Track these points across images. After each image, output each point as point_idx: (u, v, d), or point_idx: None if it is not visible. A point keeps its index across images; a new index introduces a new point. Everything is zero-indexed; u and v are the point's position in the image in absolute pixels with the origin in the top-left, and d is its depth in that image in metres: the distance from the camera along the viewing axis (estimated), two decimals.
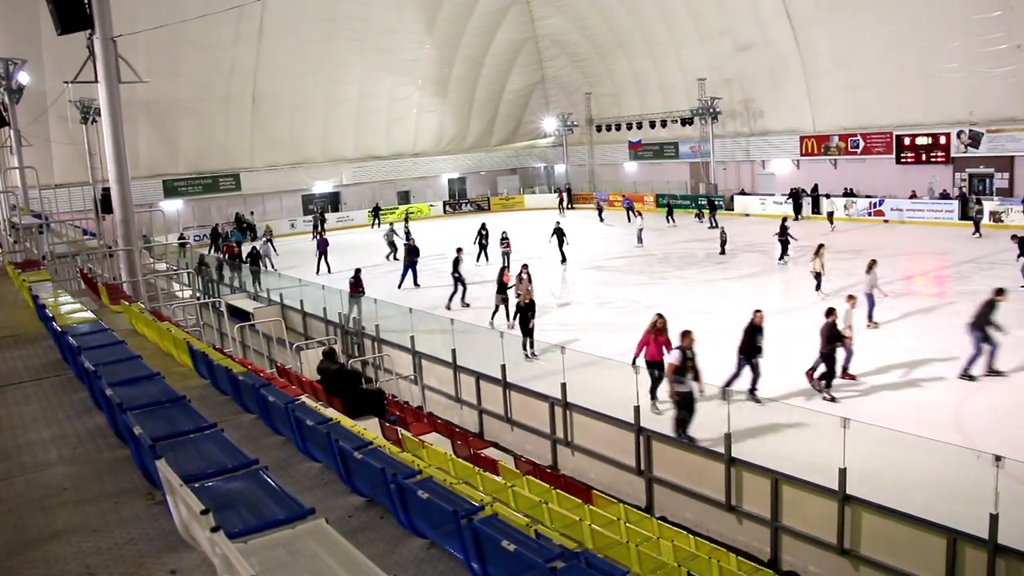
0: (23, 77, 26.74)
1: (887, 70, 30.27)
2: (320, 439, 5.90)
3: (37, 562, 4.60)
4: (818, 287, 17.81)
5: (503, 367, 12.54)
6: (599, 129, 45.77)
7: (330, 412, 7.99)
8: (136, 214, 17.02)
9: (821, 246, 18.07)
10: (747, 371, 11.26)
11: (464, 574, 4.55)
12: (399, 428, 9.03)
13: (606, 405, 10.67)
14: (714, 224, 31.43)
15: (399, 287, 22.04)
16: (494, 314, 17.14)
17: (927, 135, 30.42)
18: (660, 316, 11.33)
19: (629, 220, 32.79)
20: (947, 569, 6.78)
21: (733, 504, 8.85)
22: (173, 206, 37.43)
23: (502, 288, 17.09)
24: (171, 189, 38.18)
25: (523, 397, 12.17)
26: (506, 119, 49.11)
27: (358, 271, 18.68)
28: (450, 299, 19.45)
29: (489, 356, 12.87)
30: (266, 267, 25.31)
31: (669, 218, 33.98)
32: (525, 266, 17.46)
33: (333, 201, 43.64)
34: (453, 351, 13.79)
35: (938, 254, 23.34)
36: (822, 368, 11.49)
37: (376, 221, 40.68)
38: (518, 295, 15.82)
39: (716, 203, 34.32)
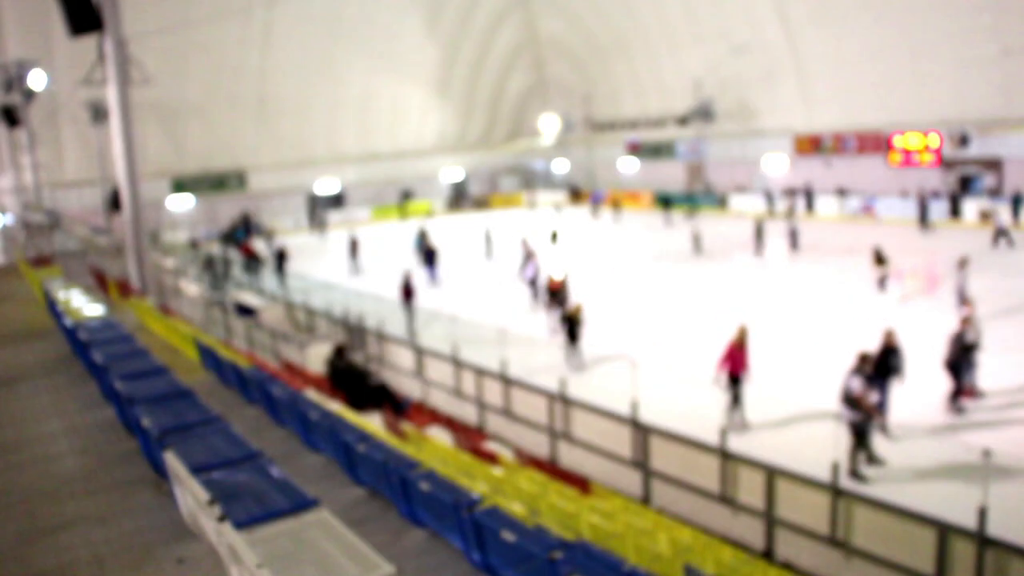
0: (35, 78, 26.98)
1: (879, 72, 30.44)
2: (324, 432, 6.01)
3: (48, 551, 4.71)
4: (883, 287, 17.33)
5: (503, 363, 12.62)
6: (597, 129, 45.90)
7: (334, 406, 8.10)
8: (145, 212, 17.19)
9: (877, 249, 17.44)
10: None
11: (465, 564, 4.64)
12: (401, 422, 9.13)
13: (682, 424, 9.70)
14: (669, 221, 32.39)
15: (434, 284, 21.98)
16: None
17: (918, 136, 30.48)
18: (744, 327, 10.38)
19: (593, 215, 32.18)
20: (937, 560, 6.85)
21: (728, 496, 8.93)
22: (181, 204, 37.73)
23: (553, 295, 16.36)
24: (179, 188, 38.51)
25: (523, 392, 12.25)
26: (506, 119, 49.38)
27: (410, 273, 17.72)
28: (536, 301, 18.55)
29: (536, 368, 12.43)
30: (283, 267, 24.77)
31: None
32: (567, 273, 16.80)
33: (336, 199, 43.86)
34: (453, 347, 13.87)
35: (930, 251, 23.47)
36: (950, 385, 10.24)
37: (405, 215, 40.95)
38: (564, 302, 15.42)
39: (669, 201, 35.25)
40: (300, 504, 4.24)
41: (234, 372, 7.77)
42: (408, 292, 17.19)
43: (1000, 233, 22.31)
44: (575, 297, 16.08)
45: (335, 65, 39.50)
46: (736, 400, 10.24)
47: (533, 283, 18.94)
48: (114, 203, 16.98)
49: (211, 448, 5.20)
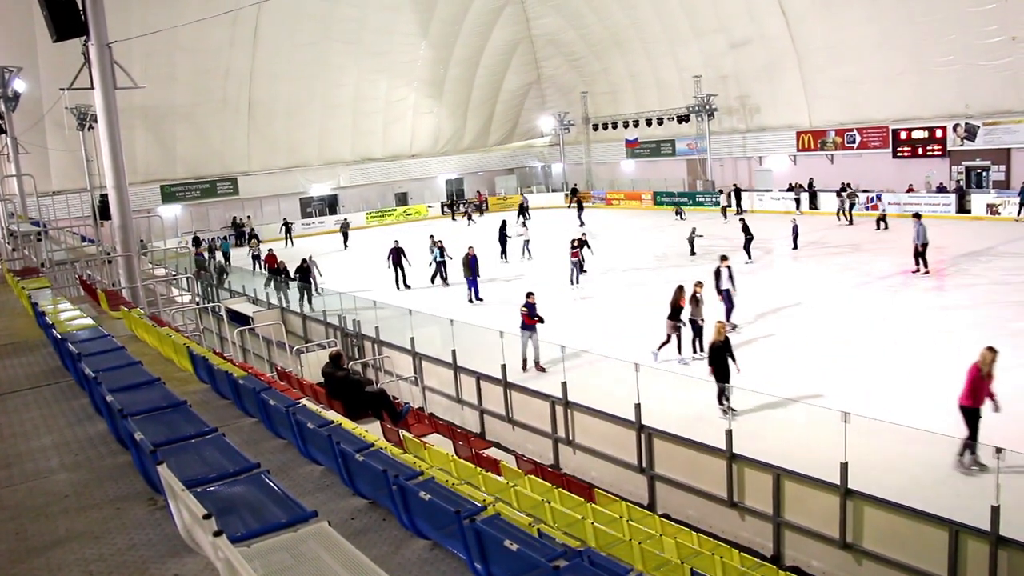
0: (19, 85, 26.76)
1: (882, 64, 30.36)
2: (321, 442, 5.90)
3: (40, 569, 4.59)
4: None
5: (503, 367, 12.54)
6: (596, 128, 45.83)
7: (331, 415, 7.99)
8: (134, 220, 17.01)
9: None
10: None
11: (467, 574, 4.55)
12: (400, 430, 9.03)
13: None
14: (581, 222, 33.41)
15: (471, 300, 19.95)
16: (662, 345, 13.64)
17: (923, 129, 30.51)
18: (993, 351, 8.76)
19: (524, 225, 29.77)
20: (949, 561, 6.80)
21: (735, 500, 8.86)
22: (171, 211, 37.48)
23: (676, 313, 13.47)
24: (169, 194, 38.22)
25: (524, 397, 12.17)
26: (503, 119, 49.14)
27: (530, 295, 14.11)
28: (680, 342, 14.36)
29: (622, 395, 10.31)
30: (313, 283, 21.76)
31: (525, 216, 35.44)
32: (699, 284, 13.76)
33: (331, 204, 43.68)
34: (453, 352, 13.78)
35: (935, 247, 23.37)
36: None
37: (453, 214, 41.87)
38: (698, 321, 13.38)
39: (582, 201, 36.98)
40: (298, 516, 4.15)
41: (228, 382, 7.64)
42: (531, 317, 13.78)
43: None
44: (703, 314, 13.52)
45: (326, 66, 39.36)
46: (973, 438, 8.76)
47: (730, 298, 15.43)
48: (102, 211, 16.75)
49: (206, 461, 5.10)
